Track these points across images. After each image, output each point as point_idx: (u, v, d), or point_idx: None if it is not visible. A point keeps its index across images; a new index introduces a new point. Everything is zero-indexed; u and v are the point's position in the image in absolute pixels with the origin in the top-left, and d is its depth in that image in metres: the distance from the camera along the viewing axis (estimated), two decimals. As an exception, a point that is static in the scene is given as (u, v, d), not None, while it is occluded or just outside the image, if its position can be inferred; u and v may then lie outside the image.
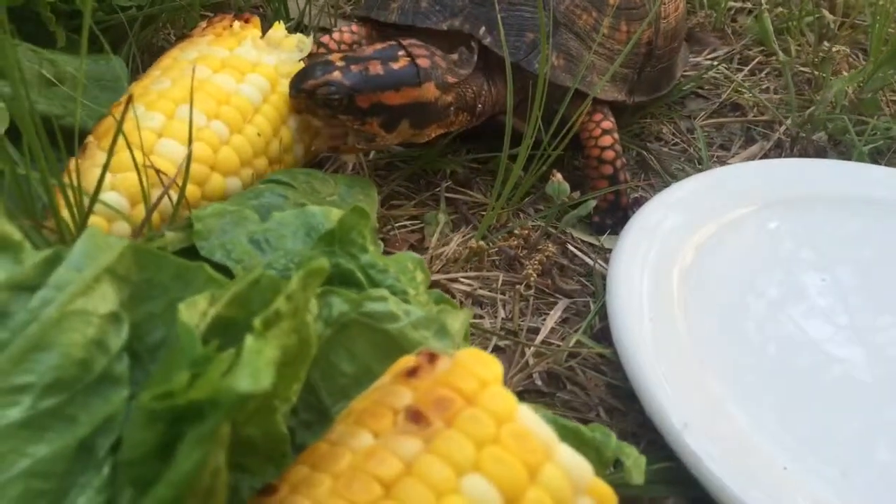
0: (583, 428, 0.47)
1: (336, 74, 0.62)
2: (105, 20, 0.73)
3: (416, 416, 0.37)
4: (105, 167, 0.51)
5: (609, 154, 0.71)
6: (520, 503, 0.35)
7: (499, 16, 0.67)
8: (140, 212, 0.56)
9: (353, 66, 0.63)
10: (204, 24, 0.71)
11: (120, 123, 0.50)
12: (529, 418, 0.37)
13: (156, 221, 0.56)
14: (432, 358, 0.40)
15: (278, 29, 0.70)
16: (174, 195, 0.55)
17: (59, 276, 0.38)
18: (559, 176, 0.68)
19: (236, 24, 0.69)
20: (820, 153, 0.85)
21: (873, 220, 0.72)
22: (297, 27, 0.89)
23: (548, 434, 0.37)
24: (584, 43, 0.70)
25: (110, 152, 0.50)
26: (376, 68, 0.64)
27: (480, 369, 0.39)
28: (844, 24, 1.08)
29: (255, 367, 0.30)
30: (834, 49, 0.99)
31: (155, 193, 0.55)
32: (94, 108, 0.64)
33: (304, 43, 0.70)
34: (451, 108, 0.67)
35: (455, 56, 0.68)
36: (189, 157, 0.53)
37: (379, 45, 0.67)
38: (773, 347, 0.60)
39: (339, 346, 0.45)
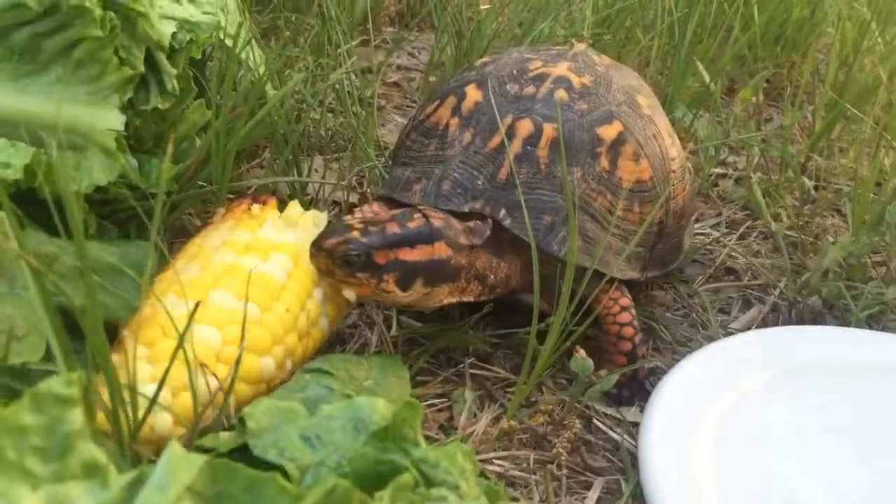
0: None
1: (355, 234, 0.66)
2: (132, 206, 0.75)
3: None
4: (169, 369, 0.52)
5: (628, 331, 0.73)
6: None
7: (521, 199, 0.71)
8: (182, 401, 0.56)
9: (370, 227, 0.67)
10: (223, 210, 0.73)
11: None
12: None
13: (207, 415, 0.56)
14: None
15: (294, 207, 0.73)
16: (213, 382, 0.56)
17: (144, 499, 0.38)
18: (583, 352, 0.70)
19: (255, 207, 0.72)
20: (816, 317, 0.88)
21: (882, 385, 0.75)
22: (311, 201, 0.92)
23: None
24: (599, 224, 0.74)
25: (174, 355, 0.51)
26: (393, 227, 0.67)
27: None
28: (825, 188, 1.14)
29: None
30: (817, 216, 1.05)
31: (194, 381, 0.56)
32: (128, 300, 0.65)
33: (320, 219, 0.73)
34: (463, 273, 0.70)
35: (471, 224, 0.72)
36: (240, 357, 0.54)
37: (396, 211, 0.70)
38: None
39: (404, 549, 0.45)
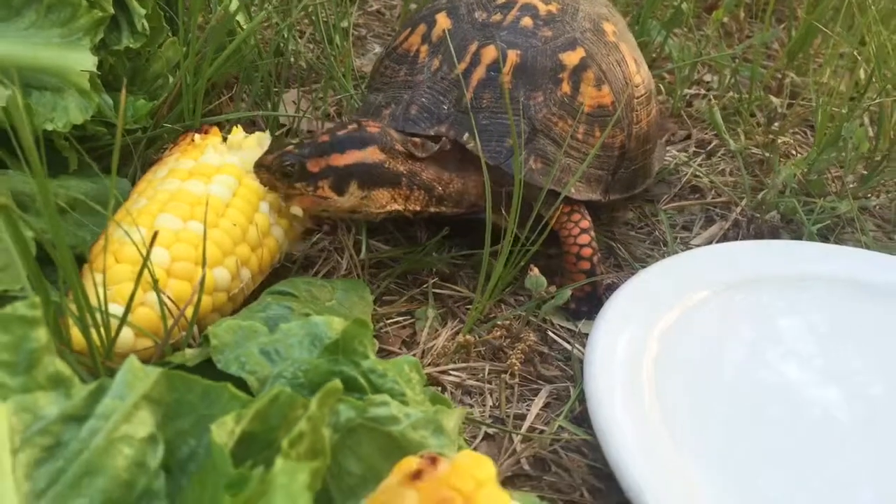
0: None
1: (290, 148, 0.71)
2: (111, 143, 0.79)
3: (423, 516, 0.42)
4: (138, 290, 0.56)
5: (587, 251, 0.77)
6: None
7: (482, 123, 0.74)
8: (140, 315, 0.61)
9: (305, 141, 0.72)
10: (170, 145, 0.77)
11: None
12: (522, 513, 0.43)
13: (158, 325, 0.61)
14: (434, 461, 0.45)
15: (236, 133, 0.77)
16: (168, 299, 0.61)
17: (105, 406, 0.43)
18: (536, 270, 0.74)
19: (197, 137, 0.76)
20: (774, 232, 0.92)
21: (826, 294, 0.79)
22: (287, 131, 0.96)
23: (538, 526, 0.43)
24: (560, 148, 0.78)
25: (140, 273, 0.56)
26: (324, 137, 0.72)
27: (477, 470, 0.44)
28: (792, 105, 1.17)
29: (290, 492, 0.36)
30: (782, 133, 1.07)
31: (146, 295, 0.61)
32: (99, 232, 0.69)
33: (263, 139, 0.77)
34: (404, 180, 0.74)
35: (417, 140, 0.76)
36: (202, 280, 0.59)
37: (331, 124, 0.74)
38: (743, 421, 0.66)
39: (347, 448, 0.50)
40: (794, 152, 1.06)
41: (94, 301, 0.57)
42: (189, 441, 0.47)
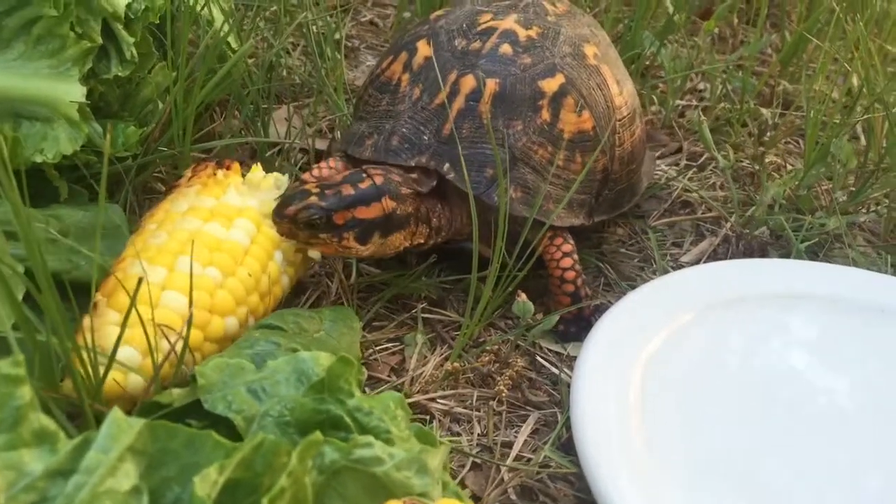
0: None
1: (313, 199, 0.71)
2: (100, 172, 0.79)
3: (403, 565, 0.43)
4: (122, 328, 0.57)
5: (570, 274, 0.78)
6: None
7: (462, 153, 0.75)
8: (150, 363, 0.62)
9: (326, 191, 0.72)
10: (189, 172, 0.78)
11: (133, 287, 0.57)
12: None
13: (167, 370, 0.62)
14: (415, 508, 0.46)
15: (256, 171, 0.77)
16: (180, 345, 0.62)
17: (89, 460, 0.44)
18: (524, 296, 0.75)
19: (220, 172, 0.76)
20: (763, 248, 0.93)
21: (812, 312, 0.80)
22: (279, 150, 0.97)
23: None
24: (540, 175, 0.78)
25: (128, 313, 0.56)
26: (348, 190, 0.73)
27: (456, 516, 0.45)
28: (784, 115, 1.17)
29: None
30: (773, 145, 1.08)
31: (164, 344, 0.62)
32: (99, 261, 0.70)
33: (281, 181, 0.78)
34: (412, 219, 0.76)
35: (414, 175, 0.77)
36: (190, 320, 0.60)
37: (346, 173, 0.76)
38: (734, 444, 0.66)
39: (332, 490, 0.51)
40: (785, 164, 1.06)
41: (110, 339, 0.59)
42: (174, 488, 0.47)
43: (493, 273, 0.72)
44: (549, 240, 0.78)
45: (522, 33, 0.81)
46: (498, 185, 0.75)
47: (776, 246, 0.94)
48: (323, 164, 0.82)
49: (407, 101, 0.80)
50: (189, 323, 0.60)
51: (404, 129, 0.79)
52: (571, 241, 0.79)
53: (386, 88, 0.83)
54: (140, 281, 0.57)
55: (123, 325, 0.57)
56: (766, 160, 1.04)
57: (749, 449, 0.66)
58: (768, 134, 1.12)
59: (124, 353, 0.61)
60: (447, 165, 0.77)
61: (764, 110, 1.12)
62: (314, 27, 1.10)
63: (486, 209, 0.75)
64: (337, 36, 1.17)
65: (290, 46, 1.18)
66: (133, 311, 0.61)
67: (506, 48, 0.80)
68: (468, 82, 0.78)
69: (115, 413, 0.46)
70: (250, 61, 1.04)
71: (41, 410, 0.45)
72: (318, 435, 0.46)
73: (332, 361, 0.56)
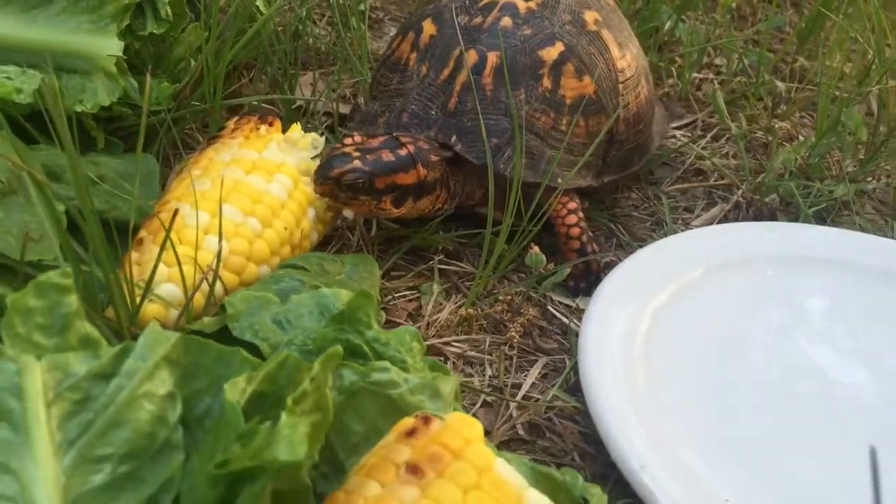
0: (555, 472, 0.56)
1: (357, 163, 0.75)
2: (137, 123, 0.83)
3: (413, 469, 0.46)
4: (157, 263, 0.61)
5: (575, 231, 0.81)
6: (496, 537, 0.44)
7: (466, 125, 0.80)
8: (194, 299, 0.66)
9: (367, 156, 0.76)
10: (231, 124, 0.81)
11: (169, 228, 0.61)
12: (504, 469, 0.47)
13: (201, 305, 0.66)
14: (427, 420, 0.50)
15: (295, 130, 0.81)
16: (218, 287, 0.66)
17: (129, 365, 0.48)
18: (536, 248, 0.78)
19: (262, 127, 0.80)
20: (773, 214, 0.95)
21: (817, 275, 0.83)
22: (303, 112, 1.00)
23: (520, 481, 0.47)
24: (544, 141, 0.82)
25: (162, 247, 0.60)
26: (388, 156, 0.77)
27: (465, 430, 0.49)
28: (799, 88, 1.19)
29: (291, 441, 0.40)
30: (787, 117, 1.10)
31: (204, 285, 0.66)
32: (136, 202, 0.74)
33: (318, 141, 0.82)
34: (438, 185, 0.80)
35: (436, 145, 0.81)
36: (219, 254, 0.64)
37: (381, 139, 0.79)
38: (731, 393, 0.69)
39: (351, 410, 0.54)
40: (798, 135, 1.08)
41: (159, 275, 0.64)
42: (205, 399, 0.51)
43: (504, 227, 0.76)
44: (556, 199, 0.81)
45: (522, 6, 0.85)
46: (502, 153, 0.79)
47: (786, 212, 0.96)
48: (355, 136, 0.85)
49: (415, 78, 0.84)
50: (219, 256, 0.64)
51: (413, 106, 0.83)
52: (577, 200, 0.82)
53: (395, 68, 0.87)
54: (175, 213, 0.61)
55: (160, 255, 0.61)
56: (780, 131, 1.06)
57: (747, 401, 0.69)
58: (782, 107, 1.14)
59: (166, 289, 0.66)
60: (454, 137, 0.81)
61: (779, 83, 1.14)
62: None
63: (494, 176, 0.79)
64: (361, 7, 1.20)
65: (316, 17, 1.22)
66: (175, 250, 0.65)
67: (506, 21, 0.83)
68: (471, 57, 0.82)
69: (153, 326, 0.50)
70: (279, 29, 1.08)
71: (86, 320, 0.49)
72: (338, 349, 0.49)
73: (352, 296, 0.60)
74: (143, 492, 0.46)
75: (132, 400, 0.47)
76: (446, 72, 0.83)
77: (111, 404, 0.46)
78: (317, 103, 1.00)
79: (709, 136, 1.10)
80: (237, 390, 0.48)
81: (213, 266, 0.64)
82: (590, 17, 0.87)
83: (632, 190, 0.99)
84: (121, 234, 0.68)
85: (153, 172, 0.80)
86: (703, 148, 1.07)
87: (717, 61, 1.30)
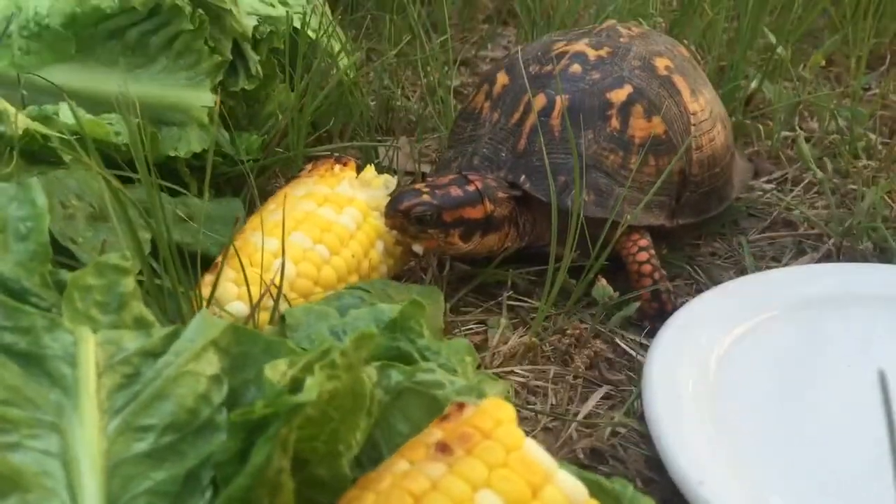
0: (603, 480, 0.55)
1: (426, 197, 0.78)
2: (227, 171, 0.89)
3: (443, 448, 0.46)
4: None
5: (647, 268, 0.81)
6: (524, 516, 0.43)
7: (534, 164, 0.82)
8: (263, 318, 0.69)
9: (437, 191, 0.79)
10: (310, 166, 0.86)
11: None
12: (534, 449, 0.46)
13: (266, 321, 0.69)
14: (461, 406, 0.49)
15: (369, 171, 0.85)
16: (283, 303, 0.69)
17: (178, 345, 0.50)
18: (604, 281, 0.78)
19: (336, 167, 0.85)
20: (866, 261, 0.91)
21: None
22: (387, 171, 1.04)
23: (550, 462, 0.46)
24: (613, 179, 0.83)
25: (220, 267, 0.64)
26: (456, 191, 0.80)
27: (497, 412, 0.48)
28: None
29: (304, 388, 0.41)
30: (883, 171, 1.06)
31: (270, 303, 0.69)
32: (219, 239, 0.78)
33: (390, 182, 0.85)
34: (505, 222, 0.82)
35: (504, 183, 0.83)
36: (283, 263, 0.67)
37: (451, 177, 0.82)
38: (805, 442, 0.65)
39: (396, 409, 0.55)
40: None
41: (226, 293, 0.69)
42: (252, 389, 0.53)
43: (566, 260, 0.76)
44: (625, 236, 0.81)
45: (592, 54, 0.87)
46: (569, 191, 0.80)
47: (881, 260, 0.92)
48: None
49: (487, 125, 0.88)
50: (282, 272, 0.67)
51: (484, 150, 0.86)
52: (648, 238, 0.82)
53: (470, 117, 0.91)
54: (246, 238, 0.64)
55: (221, 269, 0.64)
56: (861, 174, 1.03)
57: (817, 441, 0.65)
58: (877, 158, 1.11)
59: (235, 306, 0.69)
60: (523, 177, 0.83)
61: (871, 135, 1.11)
62: (431, 77, 1.19)
63: (563, 213, 0.79)
64: (453, 82, 1.26)
65: (410, 92, 1.28)
66: (247, 272, 0.69)
67: (575, 68, 0.86)
68: (539, 100, 0.84)
69: (204, 312, 0.53)
70: (372, 103, 1.15)
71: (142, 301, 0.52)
72: (371, 329, 0.50)
73: (404, 305, 0.61)
74: (184, 465, 0.47)
75: (178, 376, 0.49)
76: (516, 116, 0.85)
77: (157, 378, 0.49)
78: (396, 162, 1.04)
79: (799, 187, 1.07)
80: (278, 371, 0.49)
81: (276, 278, 0.67)
82: (660, 63, 0.88)
83: (715, 239, 0.97)
84: (204, 265, 0.73)
85: (238, 215, 0.85)
86: (793, 198, 1.04)
87: (813, 125, 1.27)
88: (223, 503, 0.41)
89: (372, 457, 0.54)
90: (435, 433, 0.48)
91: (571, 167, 0.81)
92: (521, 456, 0.46)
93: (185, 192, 0.86)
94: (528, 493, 0.44)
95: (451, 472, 0.45)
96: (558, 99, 0.84)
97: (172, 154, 0.84)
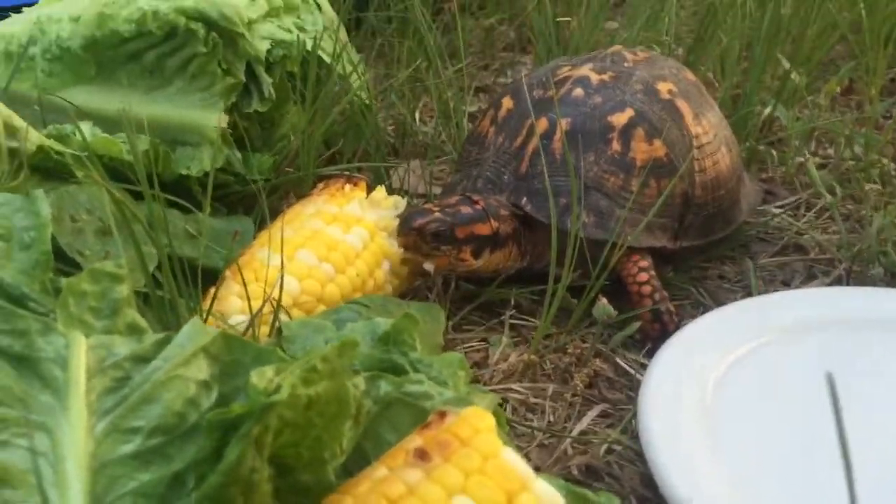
0: (590, 493, 0.55)
1: (438, 214, 0.80)
2: (240, 191, 0.91)
3: (421, 454, 0.47)
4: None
5: (647, 289, 0.81)
6: (500, 523, 0.44)
7: (536, 187, 0.84)
8: (263, 331, 0.70)
9: (447, 209, 0.81)
10: (321, 185, 0.88)
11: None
12: (512, 457, 0.47)
13: (266, 334, 0.70)
14: (443, 414, 0.50)
15: (380, 192, 0.86)
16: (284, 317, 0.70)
17: (168, 351, 0.51)
18: (604, 300, 0.78)
19: (347, 186, 0.86)
20: (879, 286, 0.90)
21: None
22: (398, 192, 1.06)
23: (527, 470, 0.46)
24: (613, 201, 0.83)
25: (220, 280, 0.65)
26: (466, 209, 0.81)
27: (477, 421, 0.49)
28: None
29: (278, 388, 0.42)
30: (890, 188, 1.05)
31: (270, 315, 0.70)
32: (228, 255, 0.80)
33: (400, 203, 0.86)
34: (510, 241, 0.83)
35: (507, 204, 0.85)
36: (282, 277, 0.68)
37: (456, 197, 0.84)
38: (802, 466, 0.64)
39: (385, 419, 0.55)
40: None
41: (231, 305, 0.71)
42: (242, 396, 0.53)
43: (564, 279, 0.76)
44: (626, 258, 0.81)
45: (595, 78, 0.88)
46: (570, 212, 0.81)
47: (892, 285, 0.91)
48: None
49: (491, 148, 0.89)
50: (281, 286, 0.68)
51: (488, 173, 0.87)
52: (649, 259, 0.82)
53: (476, 141, 0.93)
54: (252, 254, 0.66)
55: (219, 284, 0.66)
56: (868, 197, 1.02)
57: (812, 464, 0.62)
58: (891, 184, 1.10)
59: (237, 319, 0.71)
60: (525, 199, 0.84)
61: (885, 160, 1.10)
62: (448, 102, 1.21)
63: (563, 234, 0.80)
64: (469, 108, 1.27)
65: (426, 117, 1.30)
66: (252, 287, 0.70)
67: (578, 92, 0.87)
68: (541, 124, 0.86)
69: (195, 320, 0.54)
70: (390, 128, 1.17)
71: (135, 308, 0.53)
72: (354, 338, 0.51)
73: (397, 318, 0.62)
74: (170, 467, 0.48)
75: (167, 380, 0.50)
76: (519, 140, 0.87)
77: (146, 382, 0.50)
78: (408, 184, 1.05)
79: (811, 212, 1.07)
80: (265, 378, 0.50)
81: (276, 291, 0.68)
82: (663, 87, 0.89)
83: (724, 262, 0.97)
84: (212, 280, 0.74)
85: (248, 231, 0.87)
86: (804, 222, 1.03)
87: (830, 152, 1.27)
88: (197, 501, 0.42)
89: (360, 465, 0.54)
90: (415, 440, 0.49)
91: (573, 189, 0.82)
92: (498, 463, 0.46)
93: (196, 210, 0.88)
94: (504, 499, 0.45)
95: (428, 478, 0.45)
96: (560, 122, 0.85)
97: (185, 173, 0.86)
